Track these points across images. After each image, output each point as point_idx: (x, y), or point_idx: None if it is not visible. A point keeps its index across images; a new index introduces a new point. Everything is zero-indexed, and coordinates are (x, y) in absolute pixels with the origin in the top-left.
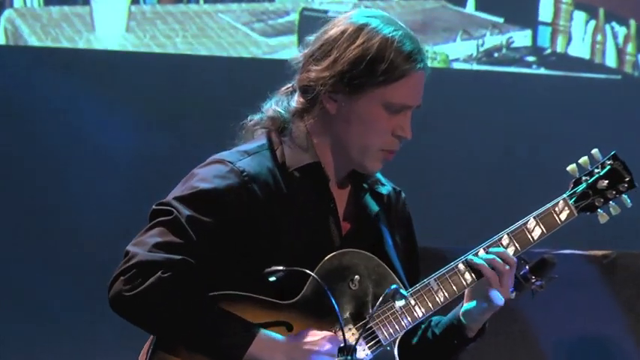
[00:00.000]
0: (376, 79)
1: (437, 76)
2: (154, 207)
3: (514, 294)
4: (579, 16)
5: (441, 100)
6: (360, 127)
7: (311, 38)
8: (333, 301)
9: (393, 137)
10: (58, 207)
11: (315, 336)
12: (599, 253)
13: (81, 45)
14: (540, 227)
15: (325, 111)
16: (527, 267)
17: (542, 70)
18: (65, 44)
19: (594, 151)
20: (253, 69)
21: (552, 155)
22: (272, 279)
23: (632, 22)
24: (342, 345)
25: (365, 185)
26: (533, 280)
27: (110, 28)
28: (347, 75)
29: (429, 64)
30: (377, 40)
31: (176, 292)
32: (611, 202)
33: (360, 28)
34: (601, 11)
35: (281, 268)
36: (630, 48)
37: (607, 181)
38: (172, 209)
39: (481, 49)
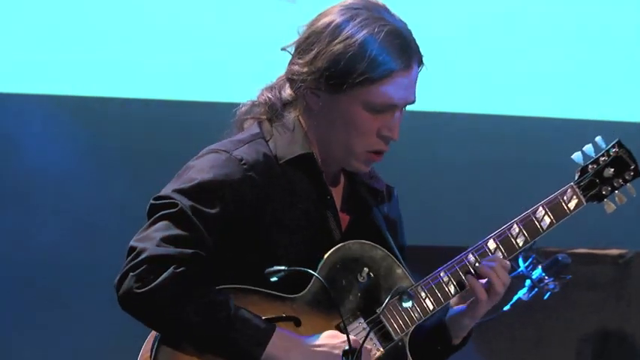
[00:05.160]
0: (354, 80)
1: None
2: (152, 202)
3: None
4: None
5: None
6: (343, 126)
7: (304, 26)
8: (334, 301)
9: (378, 138)
10: None
11: (334, 338)
12: (615, 252)
13: None
14: (549, 216)
15: (309, 106)
16: (540, 267)
17: None
18: None
19: (598, 138)
20: None
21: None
22: (273, 279)
23: None
24: (346, 348)
25: (359, 179)
26: (546, 282)
27: None
28: (325, 73)
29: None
30: (359, 38)
31: (191, 288)
32: (616, 190)
33: (344, 23)
34: None
35: (283, 268)
36: None
37: (613, 170)
38: (175, 201)
39: None
